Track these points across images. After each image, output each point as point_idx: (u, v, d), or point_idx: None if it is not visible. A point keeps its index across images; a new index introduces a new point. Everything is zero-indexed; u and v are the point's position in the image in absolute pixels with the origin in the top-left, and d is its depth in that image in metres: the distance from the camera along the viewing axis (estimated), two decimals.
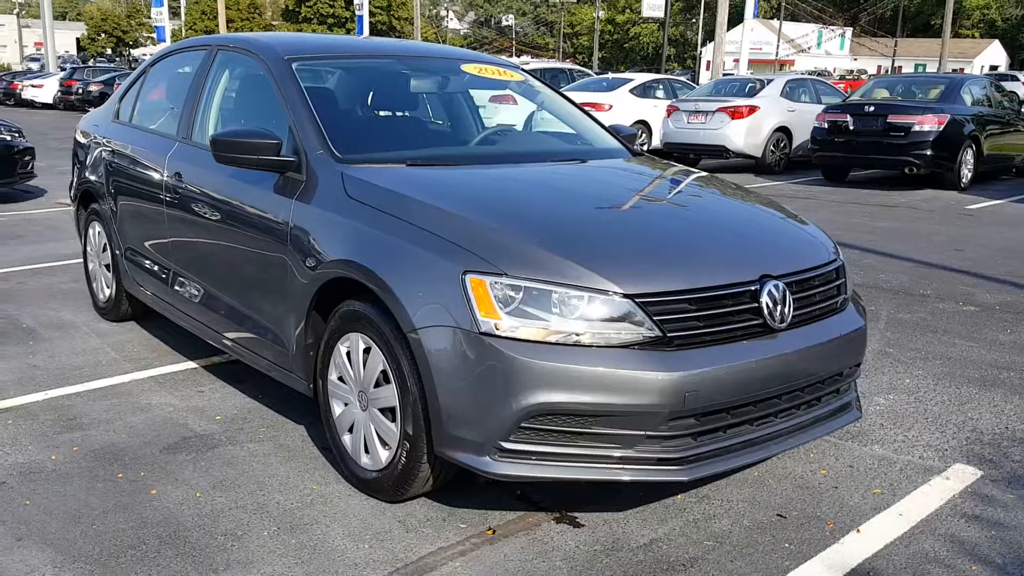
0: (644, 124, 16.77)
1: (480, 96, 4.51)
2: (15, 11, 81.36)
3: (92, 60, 55.68)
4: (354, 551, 2.73)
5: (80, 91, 29.57)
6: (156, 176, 4.24)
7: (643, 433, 2.62)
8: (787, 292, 2.88)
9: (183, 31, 60.85)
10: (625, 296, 2.62)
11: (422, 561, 2.68)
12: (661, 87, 17.57)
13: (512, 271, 2.63)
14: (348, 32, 51.16)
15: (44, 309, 5.48)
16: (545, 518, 2.96)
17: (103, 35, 67.29)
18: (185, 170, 4.01)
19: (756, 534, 2.91)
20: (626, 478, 2.65)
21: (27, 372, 4.31)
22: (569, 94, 16.82)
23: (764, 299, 2.82)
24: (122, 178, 4.65)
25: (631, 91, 16.97)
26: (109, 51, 66.76)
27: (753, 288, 2.82)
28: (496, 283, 2.60)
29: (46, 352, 4.63)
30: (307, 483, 3.16)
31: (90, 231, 5.20)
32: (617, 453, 2.63)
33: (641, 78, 17.60)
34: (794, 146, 14.83)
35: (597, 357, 2.57)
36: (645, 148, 16.64)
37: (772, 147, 14.59)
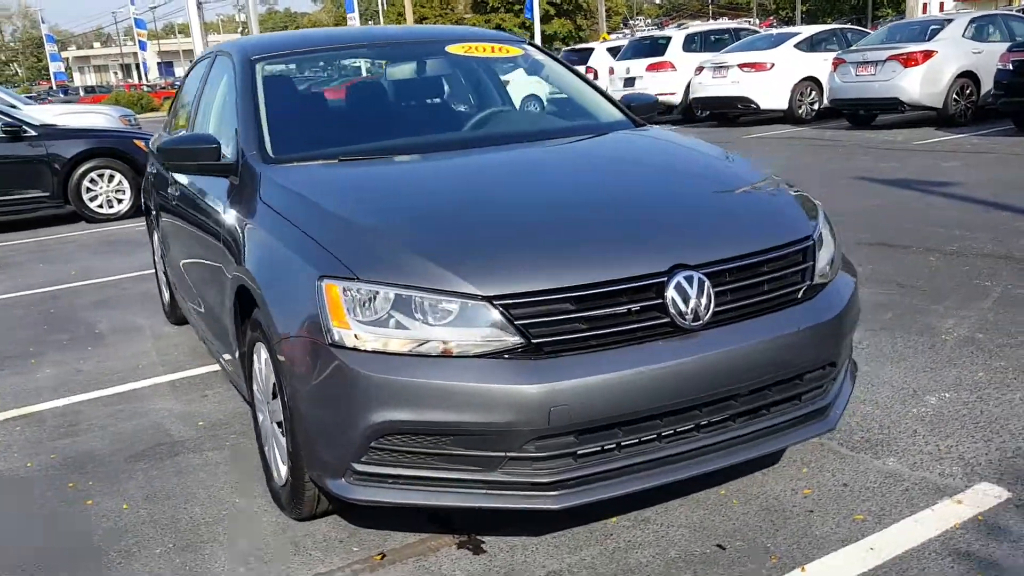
0: (813, 81, 15.58)
1: (474, 76, 4.24)
2: (239, 30, 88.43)
3: None
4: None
5: None
6: (167, 187, 4.34)
7: (504, 454, 2.31)
8: (706, 284, 2.45)
9: None
10: (484, 299, 2.31)
11: None
12: (834, 39, 16.19)
13: (366, 275, 2.39)
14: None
15: (125, 313, 5.82)
16: (449, 542, 2.72)
17: None
18: (177, 180, 4.07)
19: (676, 569, 2.52)
20: (487, 505, 2.36)
21: (68, 377, 4.56)
22: (729, 55, 16.02)
23: (670, 293, 2.41)
24: (155, 189, 4.82)
25: (796, 46, 15.79)
26: None
27: (660, 281, 2.42)
28: (348, 288, 2.38)
29: (98, 357, 4.89)
30: (232, 496, 3.10)
31: (153, 238, 5.45)
32: (478, 477, 2.35)
33: (809, 30, 16.31)
34: (983, 93, 13.14)
35: (450, 370, 2.29)
36: (815, 107, 15.46)
37: (955, 96, 13.03)
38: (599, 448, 2.38)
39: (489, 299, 2.30)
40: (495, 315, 2.30)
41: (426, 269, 2.37)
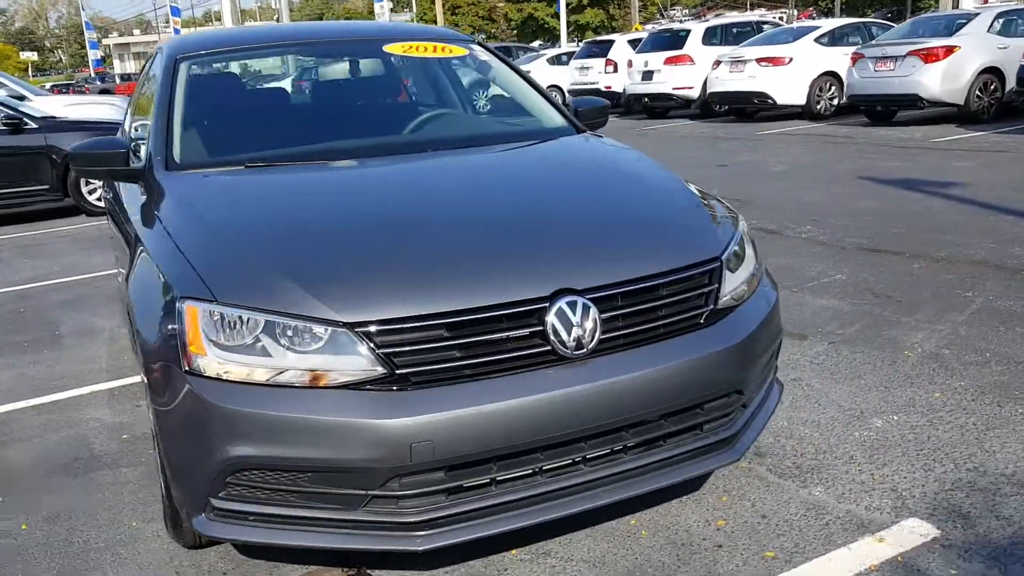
0: (833, 76, 15.20)
1: (415, 77, 4.08)
2: (275, 17, 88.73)
3: None
4: None
5: None
6: (109, 189, 4.26)
7: (366, 492, 2.18)
8: (591, 310, 2.29)
9: (415, 21, 63.47)
10: (345, 326, 2.17)
11: None
12: (857, 33, 15.79)
13: (225, 297, 2.27)
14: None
15: (91, 314, 5.76)
16: (337, 574, 2.59)
17: None
18: (112, 183, 3.99)
19: None
20: (351, 546, 2.23)
21: (15, 383, 4.51)
22: (746, 49, 15.70)
23: (551, 320, 2.26)
24: (104, 190, 4.75)
25: (817, 40, 15.42)
26: None
27: (541, 307, 2.27)
28: (207, 311, 2.25)
29: (49, 360, 4.84)
30: (131, 520, 3.00)
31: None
32: (341, 516, 2.21)
33: (830, 24, 15.93)
34: (1007, 89, 12.72)
35: (306, 402, 2.16)
36: (835, 103, 15.11)
37: (978, 92, 12.63)
38: (472, 484, 2.24)
39: (350, 326, 2.17)
40: (356, 343, 2.17)
41: (289, 292, 2.24)
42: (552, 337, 2.26)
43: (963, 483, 2.86)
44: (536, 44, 39.07)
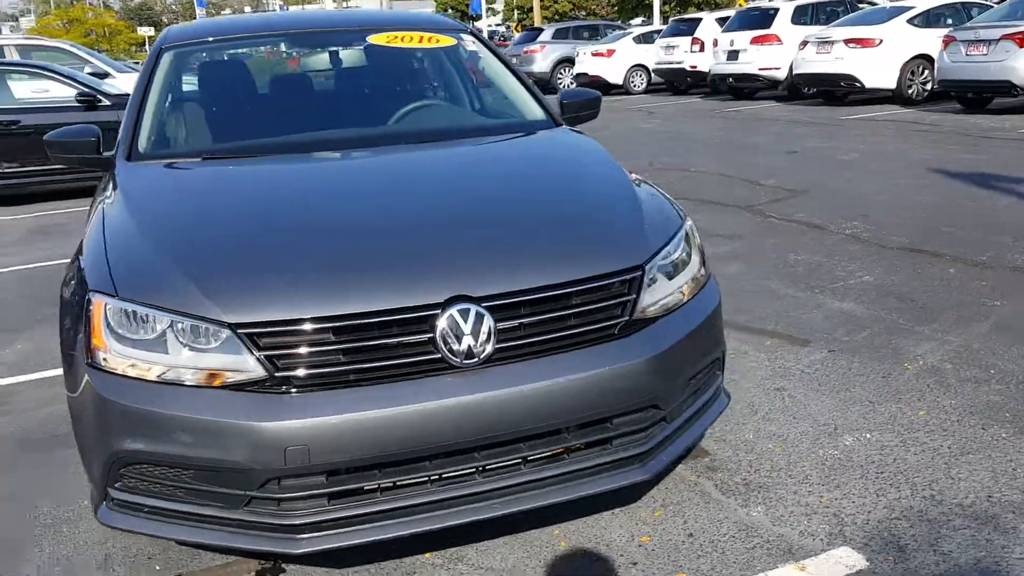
0: (926, 59, 14.44)
1: (397, 66, 4.05)
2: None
3: None
4: None
5: None
6: None
7: (243, 492, 2.20)
8: (485, 319, 2.24)
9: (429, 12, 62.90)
10: (229, 326, 2.19)
11: None
12: (954, 14, 14.95)
13: (125, 292, 2.32)
14: None
15: None
16: (253, 567, 2.63)
17: (450, 11, 72.28)
18: None
19: None
20: (233, 545, 2.25)
21: (32, 356, 4.73)
22: (834, 30, 15.07)
23: (441, 328, 2.22)
24: None
25: (910, 21, 14.68)
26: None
27: (433, 314, 2.23)
28: (109, 305, 2.31)
29: None
30: (83, 499, 3.11)
31: None
32: (224, 514, 2.24)
33: (925, 4, 15.09)
34: None
35: (188, 401, 2.19)
36: (927, 88, 14.38)
37: None
38: (356, 489, 2.23)
39: (233, 326, 2.18)
40: (239, 345, 2.18)
41: (186, 292, 2.27)
42: (442, 345, 2.22)
43: (912, 512, 2.70)
44: (638, 21, 38.37)
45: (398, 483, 2.25)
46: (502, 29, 55.91)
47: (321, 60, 4.05)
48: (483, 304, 2.26)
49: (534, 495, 2.36)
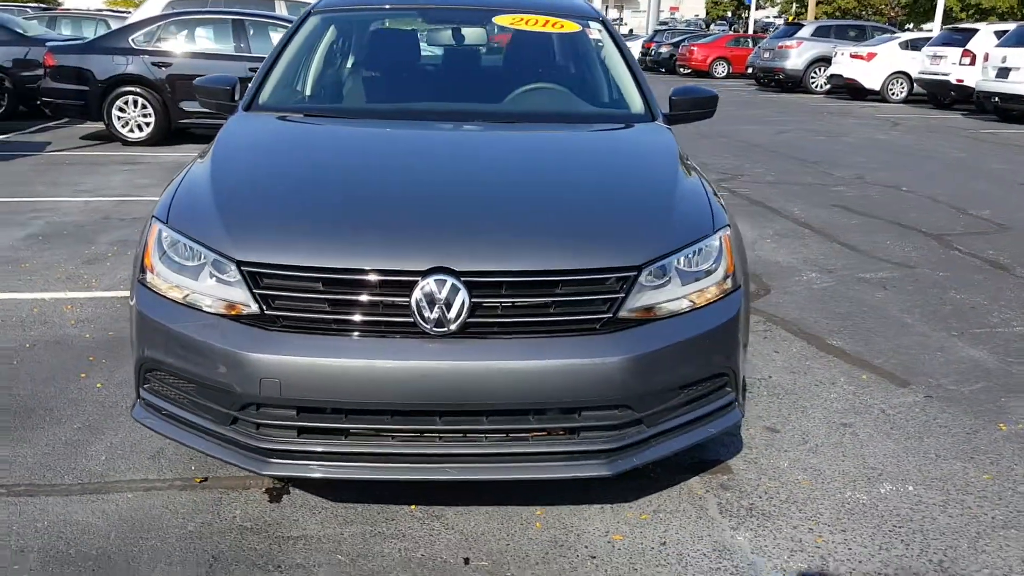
0: None
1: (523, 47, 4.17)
2: None
3: (711, 24, 58.96)
4: None
5: (654, 53, 31.94)
6: None
7: (228, 412, 2.48)
8: (460, 293, 2.37)
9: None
10: (236, 263, 2.47)
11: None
12: None
13: (175, 221, 2.67)
14: None
15: None
16: (267, 483, 2.93)
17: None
18: None
19: (404, 568, 2.52)
20: (217, 456, 2.54)
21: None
22: None
23: (417, 294, 2.37)
24: None
25: None
26: (729, 14, 69.75)
27: (412, 280, 2.39)
28: (162, 231, 2.67)
29: None
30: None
31: None
32: (215, 428, 2.54)
33: None
34: None
35: (194, 321, 2.50)
36: None
37: None
38: (322, 428, 2.45)
39: (239, 263, 2.45)
40: (239, 279, 2.45)
41: (214, 227, 2.57)
42: (416, 312, 2.37)
43: (905, 572, 2.51)
44: (930, 26, 35.61)
45: (360, 431, 2.43)
46: (778, 21, 53.79)
47: (445, 37, 4.27)
48: (462, 279, 2.38)
49: (491, 468, 2.46)
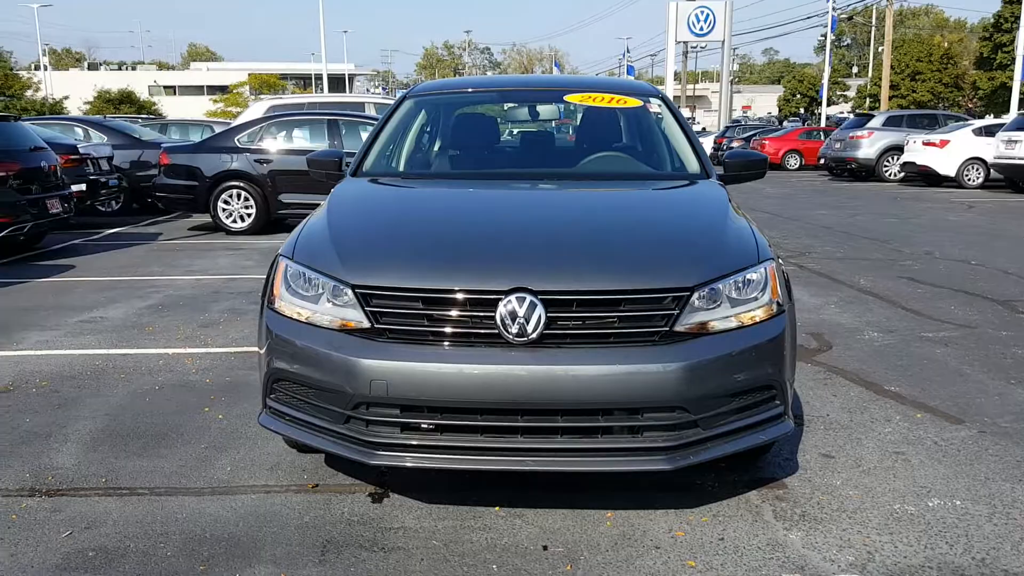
0: None
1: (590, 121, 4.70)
2: (733, 80, 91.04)
3: (783, 121, 59.70)
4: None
5: (725, 148, 32.62)
6: None
7: (343, 412, 2.92)
8: (538, 308, 2.80)
9: (868, 86, 61.09)
10: (350, 286, 2.95)
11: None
12: None
13: (299, 256, 3.19)
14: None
15: None
16: (363, 488, 3.35)
17: (798, 96, 71.64)
18: None
19: (494, 554, 2.88)
20: (333, 451, 2.98)
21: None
22: None
23: (501, 310, 2.81)
24: None
25: None
26: (802, 110, 70.54)
27: (496, 298, 2.84)
28: (288, 266, 3.19)
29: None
30: None
31: None
32: (332, 427, 2.98)
33: None
34: None
35: (315, 336, 2.98)
36: None
37: None
38: (421, 425, 2.87)
39: (353, 286, 2.94)
40: (353, 299, 2.93)
41: (331, 260, 3.08)
42: (500, 325, 2.80)
43: (948, 565, 2.76)
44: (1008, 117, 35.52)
45: (454, 426, 2.85)
46: (847, 115, 54.27)
47: (523, 113, 4.84)
48: (539, 296, 2.82)
49: (564, 460, 2.83)
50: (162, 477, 3.50)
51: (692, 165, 4.17)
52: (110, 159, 13.10)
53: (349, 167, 4.25)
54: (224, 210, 11.73)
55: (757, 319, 2.99)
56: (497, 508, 3.19)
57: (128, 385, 4.76)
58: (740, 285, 3.01)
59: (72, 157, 11.93)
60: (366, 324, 2.92)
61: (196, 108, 53.81)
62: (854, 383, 4.73)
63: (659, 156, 4.41)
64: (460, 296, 2.86)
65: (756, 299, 3.02)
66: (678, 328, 2.86)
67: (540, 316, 2.80)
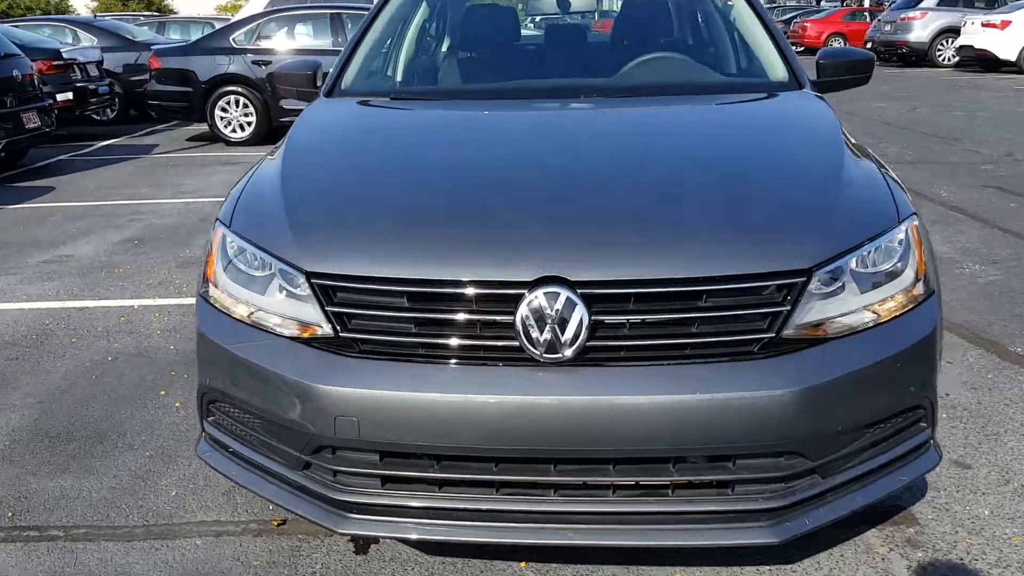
0: None
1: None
2: None
3: (820, 1, 56.55)
4: None
5: None
6: None
7: (300, 455, 2.04)
8: (578, 308, 1.86)
9: None
10: (304, 273, 2.02)
11: None
12: None
13: (238, 224, 2.25)
14: None
15: None
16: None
17: None
18: None
19: None
20: (287, 507, 2.11)
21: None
22: None
23: (523, 311, 1.88)
24: None
25: None
26: None
27: (517, 293, 1.90)
28: (226, 237, 2.26)
29: None
30: None
31: None
32: (287, 473, 2.11)
33: None
34: None
35: (259, 345, 2.07)
36: None
37: None
38: (412, 478, 1.98)
39: (309, 274, 2.01)
40: (309, 294, 2.00)
41: (277, 230, 2.15)
42: (522, 333, 1.87)
43: None
44: None
45: (458, 480, 1.95)
46: None
47: (548, 4, 3.74)
48: (578, 290, 1.87)
49: (620, 531, 1.94)
50: (85, 508, 2.67)
51: (777, 70, 3.11)
52: (99, 64, 12.02)
53: (327, 82, 3.24)
54: (222, 118, 10.71)
55: (897, 309, 2.03)
56: (523, 564, 2.33)
57: (76, 355, 3.91)
58: (871, 258, 2.04)
59: (55, 63, 10.90)
60: (329, 331, 1.99)
61: (209, 4, 51.76)
62: (969, 342, 3.77)
63: (730, 58, 3.34)
64: (464, 290, 1.92)
65: (894, 277, 2.05)
66: (787, 332, 1.91)
67: (582, 319, 1.86)
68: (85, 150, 10.83)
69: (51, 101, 9.64)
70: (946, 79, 17.98)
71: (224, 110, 10.67)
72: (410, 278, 1.94)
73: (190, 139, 11.59)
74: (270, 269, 2.09)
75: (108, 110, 12.92)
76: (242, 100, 10.63)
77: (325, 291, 1.99)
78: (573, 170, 2.33)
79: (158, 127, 12.87)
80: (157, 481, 2.81)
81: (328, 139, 2.75)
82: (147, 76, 11.47)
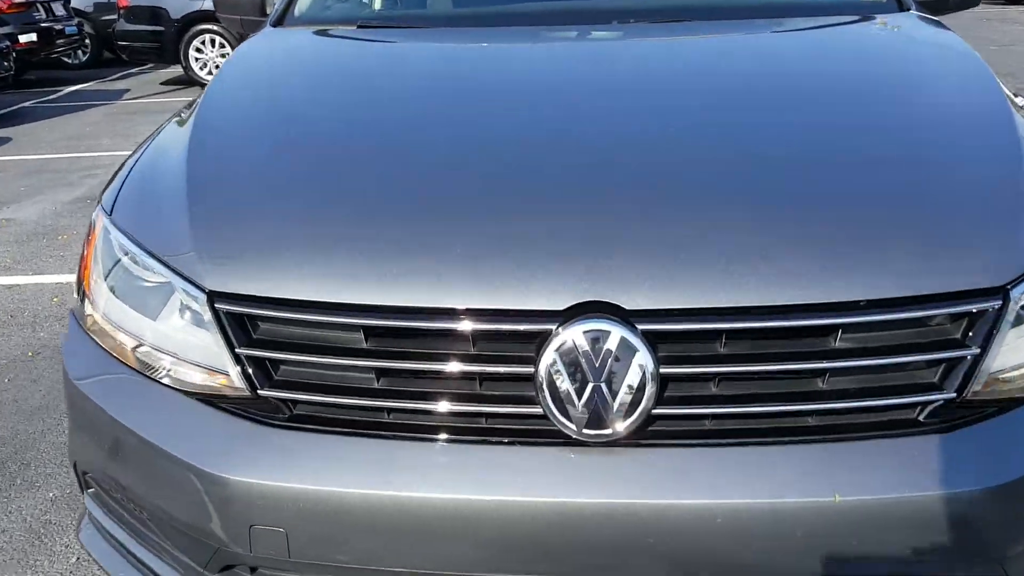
0: None
1: None
2: None
3: None
4: None
5: None
6: None
7: (202, 572, 1.34)
8: (640, 355, 1.15)
9: None
10: (207, 295, 1.30)
11: None
12: None
13: (121, 215, 1.53)
14: None
15: None
16: None
17: None
18: None
19: None
20: None
21: None
22: None
23: (547, 357, 1.16)
24: None
25: None
26: None
27: (540, 330, 1.18)
28: (109, 231, 1.53)
29: None
30: None
31: None
32: None
33: None
34: None
35: (147, 403, 1.36)
36: None
37: None
38: None
39: (210, 294, 1.29)
40: (213, 327, 1.28)
41: (173, 229, 1.41)
42: (547, 395, 1.16)
43: None
44: None
45: None
46: None
47: None
48: (638, 326, 1.15)
49: None
50: None
51: None
52: (66, 3, 11.14)
53: (273, 10, 2.48)
54: (197, 60, 9.87)
55: None
56: None
57: None
58: None
59: (16, 1, 10.05)
60: (243, 385, 1.28)
61: None
62: None
63: None
64: (455, 324, 1.20)
65: None
66: (975, 388, 1.20)
67: (644, 371, 1.15)
68: (52, 96, 10.01)
69: (8, 43, 8.81)
70: (971, 13, 16.98)
71: (199, 50, 9.82)
72: (371, 304, 1.22)
73: (164, 83, 10.75)
74: (158, 288, 1.37)
75: (79, 52, 12.06)
76: (218, 39, 9.77)
77: (238, 323, 1.28)
78: (622, 137, 1.56)
79: (132, 71, 12.00)
80: (50, 547, 2.12)
81: (263, 89, 1.95)
82: (116, 15, 10.59)
